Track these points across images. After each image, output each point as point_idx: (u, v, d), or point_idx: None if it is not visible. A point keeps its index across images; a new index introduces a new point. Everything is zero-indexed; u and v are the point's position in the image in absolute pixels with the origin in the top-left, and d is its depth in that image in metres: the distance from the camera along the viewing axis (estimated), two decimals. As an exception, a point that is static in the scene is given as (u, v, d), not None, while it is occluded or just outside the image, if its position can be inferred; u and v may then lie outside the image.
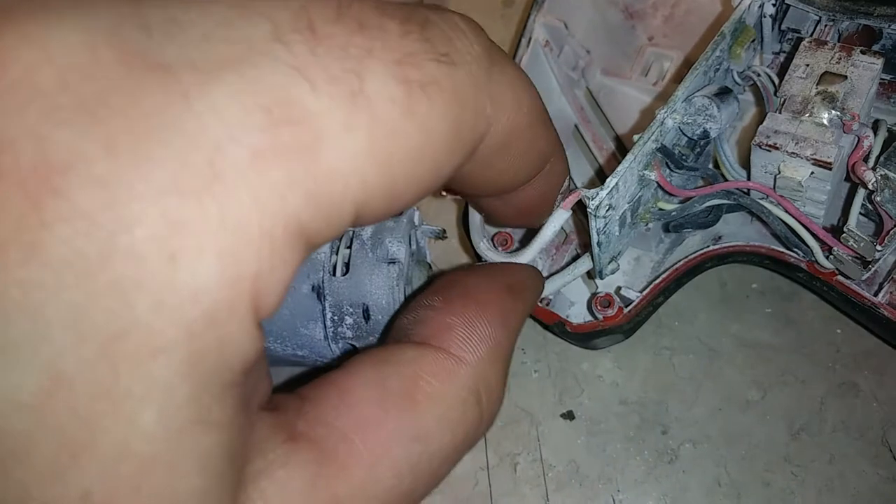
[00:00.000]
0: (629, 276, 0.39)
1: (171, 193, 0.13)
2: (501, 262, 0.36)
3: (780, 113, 0.31)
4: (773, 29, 0.35)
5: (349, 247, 0.39)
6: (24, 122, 0.12)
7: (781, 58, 0.37)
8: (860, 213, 0.31)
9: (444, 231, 0.42)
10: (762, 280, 0.42)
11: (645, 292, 0.36)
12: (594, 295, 0.37)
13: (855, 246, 0.29)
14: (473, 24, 0.20)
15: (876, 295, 0.32)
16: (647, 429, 0.41)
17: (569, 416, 0.42)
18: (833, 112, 0.29)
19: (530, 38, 0.44)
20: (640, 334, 0.41)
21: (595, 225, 0.32)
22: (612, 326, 0.37)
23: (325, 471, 0.18)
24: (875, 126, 0.32)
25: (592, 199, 0.30)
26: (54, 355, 0.12)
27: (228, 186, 0.14)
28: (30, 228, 0.12)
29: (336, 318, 0.38)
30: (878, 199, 0.28)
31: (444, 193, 0.43)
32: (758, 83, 0.34)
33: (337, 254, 0.39)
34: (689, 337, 0.42)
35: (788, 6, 0.34)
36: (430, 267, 0.42)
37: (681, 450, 0.40)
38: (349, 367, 0.21)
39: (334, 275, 0.38)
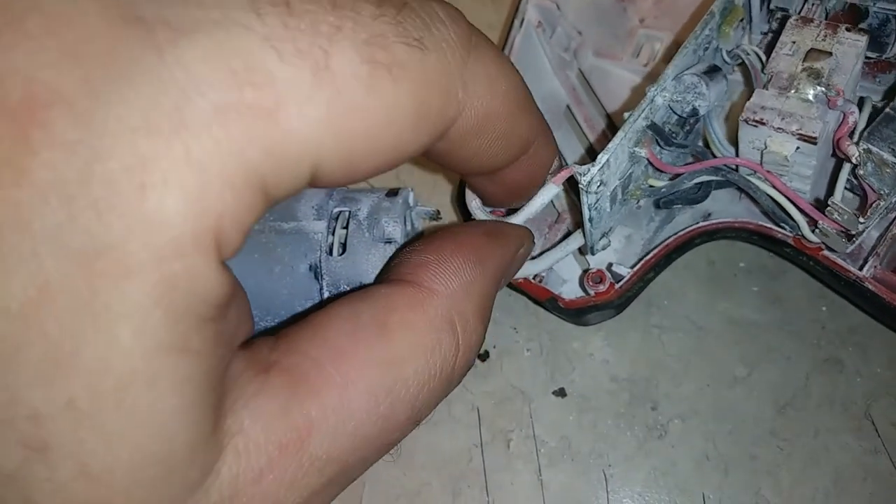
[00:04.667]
0: (620, 253, 0.39)
1: (141, 131, 0.14)
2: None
3: (766, 89, 0.31)
4: (761, 8, 0.36)
5: (345, 227, 0.39)
6: (14, 61, 0.14)
7: (770, 37, 0.38)
8: (846, 188, 0.32)
9: (439, 212, 0.42)
10: (749, 259, 0.43)
11: (636, 268, 0.37)
12: (586, 271, 0.38)
13: (839, 219, 0.30)
14: (454, 12, 0.21)
15: (861, 269, 0.33)
16: (636, 405, 0.41)
17: (560, 393, 0.42)
18: (818, 88, 0.30)
19: (523, 20, 0.44)
20: (629, 312, 0.42)
21: (587, 201, 0.32)
22: (603, 302, 0.38)
23: (298, 394, 0.19)
24: (861, 103, 0.32)
25: (584, 176, 0.31)
26: (40, 267, 0.14)
27: (193, 132, 0.15)
28: (19, 154, 0.14)
29: (333, 297, 0.39)
30: (861, 172, 0.29)
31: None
32: (746, 61, 0.35)
33: (333, 234, 0.39)
34: (678, 315, 0.42)
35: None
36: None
37: (670, 425, 0.41)
38: (325, 307, 0.23)
39: (331, 254, 0.39)
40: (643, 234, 0.39)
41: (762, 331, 0.41)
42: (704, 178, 0.35)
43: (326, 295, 0.39)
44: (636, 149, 0.33)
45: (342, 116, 0.17)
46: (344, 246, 0.39)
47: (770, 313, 0.41)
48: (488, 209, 0.39)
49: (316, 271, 0.39)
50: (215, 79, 0.15)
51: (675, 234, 0.37)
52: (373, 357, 0.21)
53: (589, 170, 0.30)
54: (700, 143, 0.36)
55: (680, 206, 0.38)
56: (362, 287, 0.38)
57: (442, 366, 0.22)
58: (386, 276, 0.26)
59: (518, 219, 0.35)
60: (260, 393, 0.18)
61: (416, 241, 0.28)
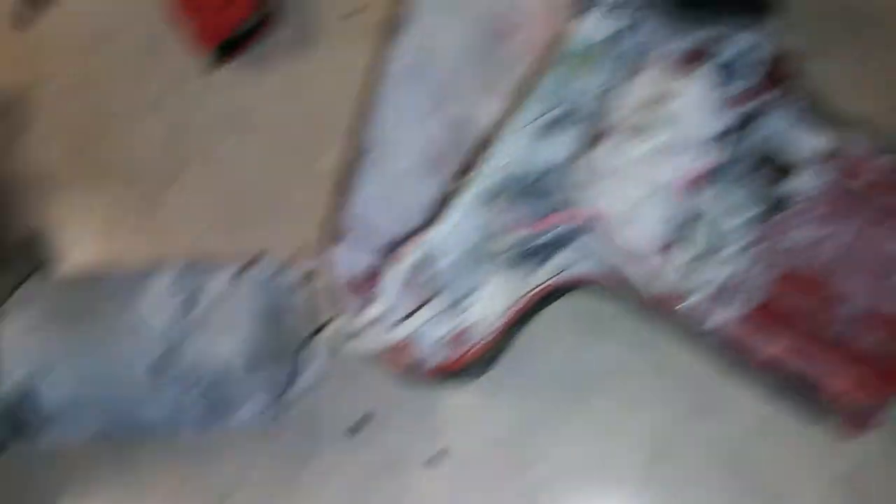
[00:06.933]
0: (486, 307, 0.38)
1: None
2: None
3: (612, 138, 0.30)
4: (611, 57, 0.34)
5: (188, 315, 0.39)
6: None
7: (622, 85, 0.36)
8: (679, 238, 0.31)
9: (311, 273, 0.41)
10: (619, 305, 0.40)
11: (497, 324, 0.36)
12: (448, 333, 0.37)
13: (675, 270, 0.29)
14: None
15: (712, 319, 0.32)
16: (513, 465, 0.40)
17: (438, 457, 0.41)
18: (663, 134, 0.29)
19: (393, 64, 0.42)
20: (502, 368, 0.40)
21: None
22: (469, 362, 0.37)
23: None
24: (706, 149, 0.31)
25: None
26: None
27: None
28: None
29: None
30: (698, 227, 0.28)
31: None
32: (588, 114, 0.33)
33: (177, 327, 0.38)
34: (551, 366, 0.41)
35: (620, 35, 0.33)
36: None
37: (554, 481, 0.40)
38: None
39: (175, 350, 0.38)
40: (507, 288, 0.38)
41: (636, 376, 0.40)
42: (556, 233, 0.34)
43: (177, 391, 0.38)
44: (486, 207, 0.32)
45: None
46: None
47: (643, 358, 0.40)
48: None
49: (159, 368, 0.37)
50: None
51: (536, 287, 0.36)
52: None
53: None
54: (564, 192, 0.35)
55: (540, 258, 0.37)
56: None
57: None
58: None
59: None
60: None
61: None
